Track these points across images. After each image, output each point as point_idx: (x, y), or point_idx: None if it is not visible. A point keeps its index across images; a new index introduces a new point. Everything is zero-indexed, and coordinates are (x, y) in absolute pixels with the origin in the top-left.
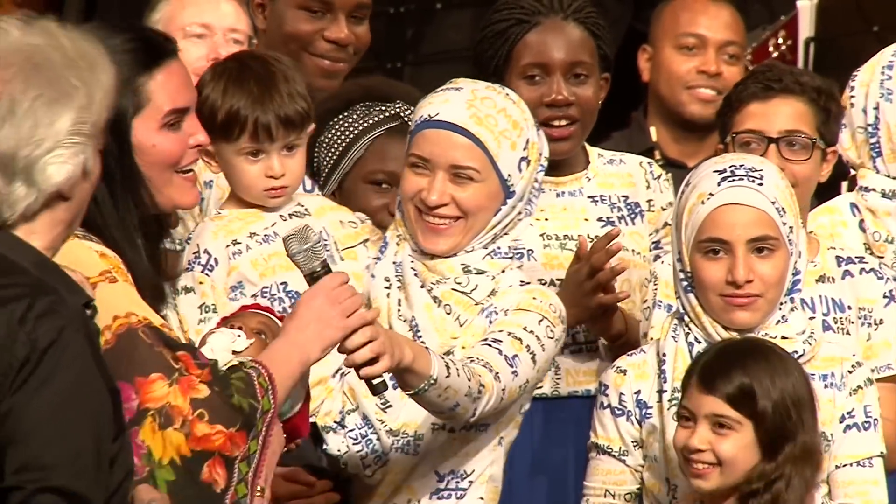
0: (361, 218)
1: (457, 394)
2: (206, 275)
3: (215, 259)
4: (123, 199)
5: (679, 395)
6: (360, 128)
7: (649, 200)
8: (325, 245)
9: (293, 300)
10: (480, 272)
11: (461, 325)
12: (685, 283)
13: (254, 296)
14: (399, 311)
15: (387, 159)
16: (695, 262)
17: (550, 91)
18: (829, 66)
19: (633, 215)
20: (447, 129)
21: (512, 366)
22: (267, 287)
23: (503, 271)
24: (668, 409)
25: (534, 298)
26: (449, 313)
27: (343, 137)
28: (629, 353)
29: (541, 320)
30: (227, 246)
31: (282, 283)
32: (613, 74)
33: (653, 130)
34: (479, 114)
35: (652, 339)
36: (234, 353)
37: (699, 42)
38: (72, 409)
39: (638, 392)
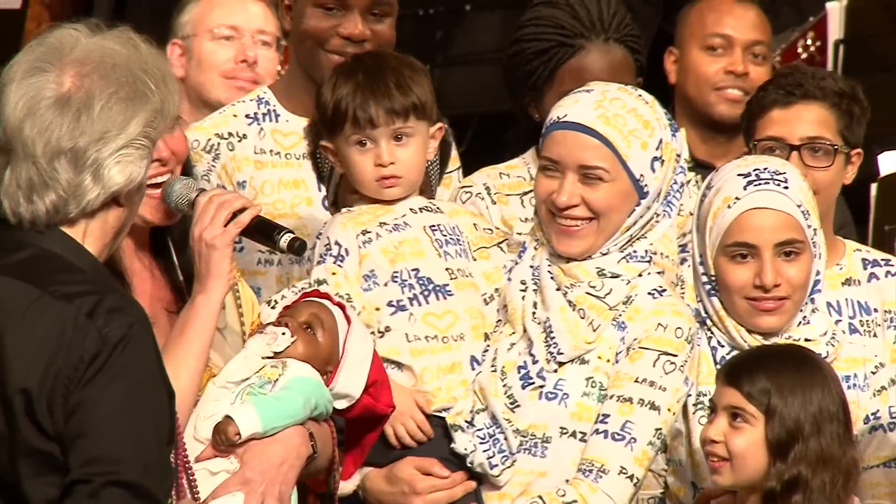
0: (494, 227)
1: None
2: (338, 265)
3: (346, 249)
4: None
5: (703, 398)
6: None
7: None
8: (186, 183)
9: (423, 286)
10: (615, 276)
11: (594, 330)
12: (708, 287)
13: (386, 283)
14: (534, 312)
15: None
16: (720, 266)
17: None
18: (859, 68)
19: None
20: (575, 130)
21: (624, 437)
22: (397, 272)
23: (640, 275)
24: (694, 413)
25: (659, 325)
26: (583, 317)
27: None
28: None
29: (657, 359)
30: (357, 236)
31: (413, 269)
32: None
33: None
34: (608, 114)
35: None
36: (274, 353)
37: (726, 42)
38: (140, 406)
39: None
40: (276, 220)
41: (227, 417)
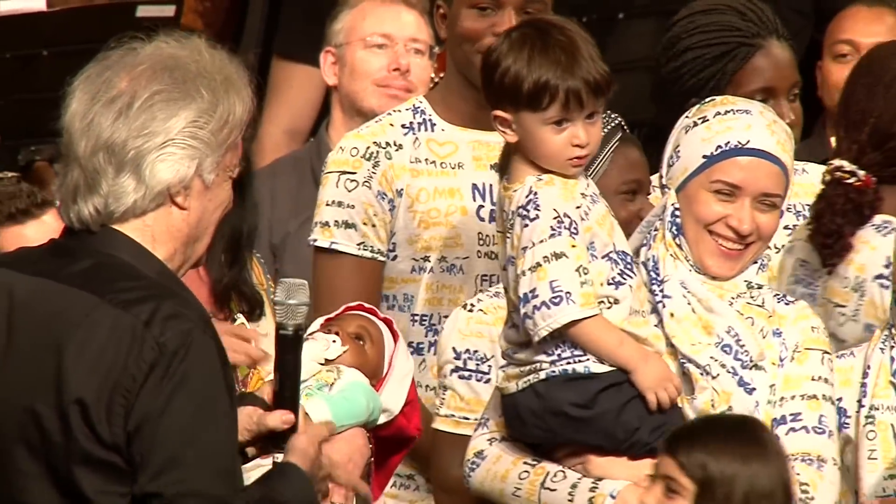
0: None
1: None
2: (574, 237)
3: (574, 222)
4: None
5: (874, 412)
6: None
7: None
8: (307, 309)
9: (624, 260)
10: (759, 286)
11: (763, 338)
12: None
13: (603, 256)
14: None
15: (631, 168)
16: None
17: (782, 115)
18: None
19: None
20: (760, 157)
21: (824, 431)
22: (610, 248)
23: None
24: (864, 425)
25: (812, 328)
26: (753, 325)
27: None
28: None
29: (822, 358)
30: (577, 207)
31: (615, 243)
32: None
33: (833, 140)
34: (780, 139)
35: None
36: (326, 360)
37: (852, 49)
38: (206, 413)
39: (839, 399)
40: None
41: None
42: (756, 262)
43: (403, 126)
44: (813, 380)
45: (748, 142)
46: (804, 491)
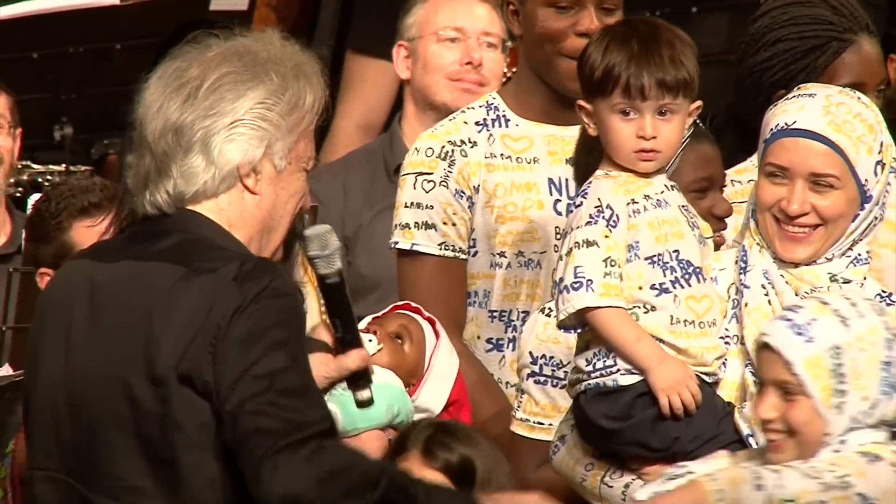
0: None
1: None
2: (610, 230)
3: (617, 215)
4: None
5: None
6: None
7: None
8: (340, 250)
9: (684, 269)
10: (847, 281)
11: None
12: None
13: (648, 259)
14: None
15: (702, 164)
16: None
17: None
18: None
19: None
20: (805, 138)
21: None
22: (660, 254)
23: (864, 278)
24: None
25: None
26: None
27: None
28: None
29: None
30: (628, 204)
31: (674, 251)
32: None
33: None
34: (837, 120)
35: None
36: None
37: None
38: (286, 352)
39: None
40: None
41: None
42: (849, 256)
43: (477, 123)
44: None
45: (794, 122)
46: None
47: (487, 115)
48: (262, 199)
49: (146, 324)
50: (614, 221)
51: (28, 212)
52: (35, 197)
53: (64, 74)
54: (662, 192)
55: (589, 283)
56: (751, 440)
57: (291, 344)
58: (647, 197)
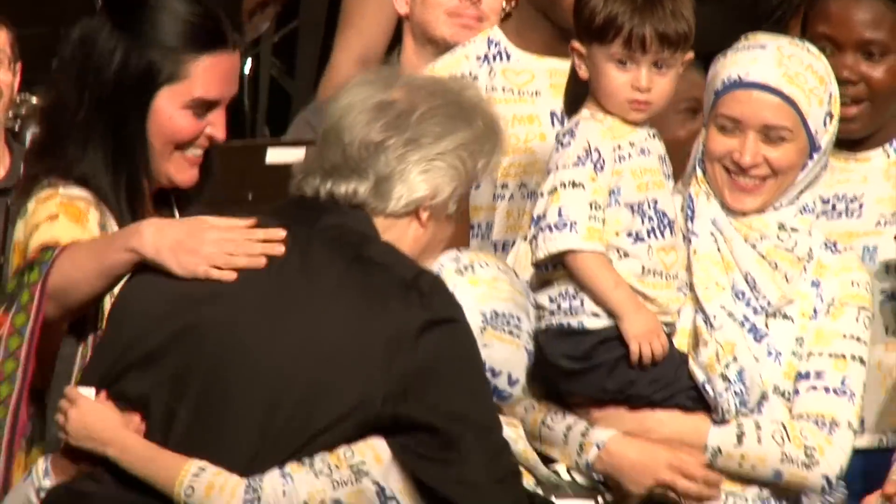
0: None
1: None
2: (597, 173)
3: (604, 160)
4: (120, 151)
5: None
6: None
7: None
8: None
9: (660, 220)
10: (795, 229)
11: (787, 282)
12: None
13: (628, 205)
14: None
15: (692, 87)
16: None
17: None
18: None
19: None
20: (759, 90)
21: (846, 392)
22: (640, 202)
23: (811, 225)
24: None
25: (853, 282)
26: (775, 269)
27: None
28: None
29: (858, 315)
30: (614, 149)
31: (653, 200)
32: None
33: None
34: (790, 72)
35: None
36: None
37: None
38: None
39: None
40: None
41: None
42: (794, 204)
43: (478, 58)
44: (844, 338)
45: (748, 74)
46: (809, 455)
47: (488, 49)
48: (424, 235)
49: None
50: (601, 165)
51: (27, 145)
52: (34, 130)
53: (64, 9)
54: (646, 139)
55: (573, 224)
56: (707, 387)
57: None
58: (631, 144)
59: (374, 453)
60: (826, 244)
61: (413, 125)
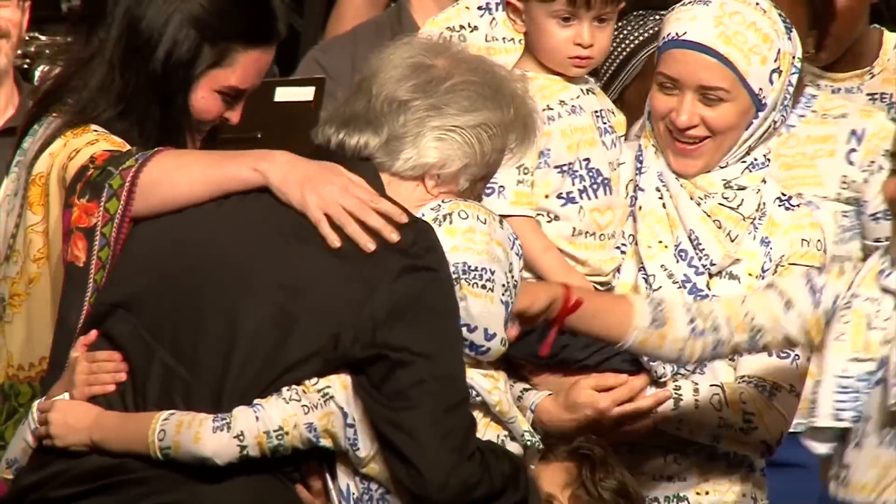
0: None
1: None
2: None
3: None
4: (164, 126)
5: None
6: (638, 41)
7: None
8: None
9: (593, 179)
10: (742, 188)
11: (732, 241)
12: None
13: (557, 167)
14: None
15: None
16: None
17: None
18: None
19: None
20: (694, 50)
21: (788, 356)
22: (570, 163)
23: (763, 181)
24: (841, 309)
25: (803, 240)
26: (719, 227)
27: (620, 49)
28: None
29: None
30: (543, 110)
31: (585, 160)
32: None
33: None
34: (728, 31)
35: None
36: None
37: None
38: None
39: None
40: None
41: None
42: (744, 162)
43: (479, 8)
44: None
45: (685, 33)
46: (747, 421)
47: None
48: (428, 202)
49: None
50: None
51: (35, 83)
52: (42, 68)
53: None
54: (578, 96)
55: (501, 189)
56: None
57: None
58: (562, 103)
59: (339, 380)
60: (781, 199)
61: (441, 93)
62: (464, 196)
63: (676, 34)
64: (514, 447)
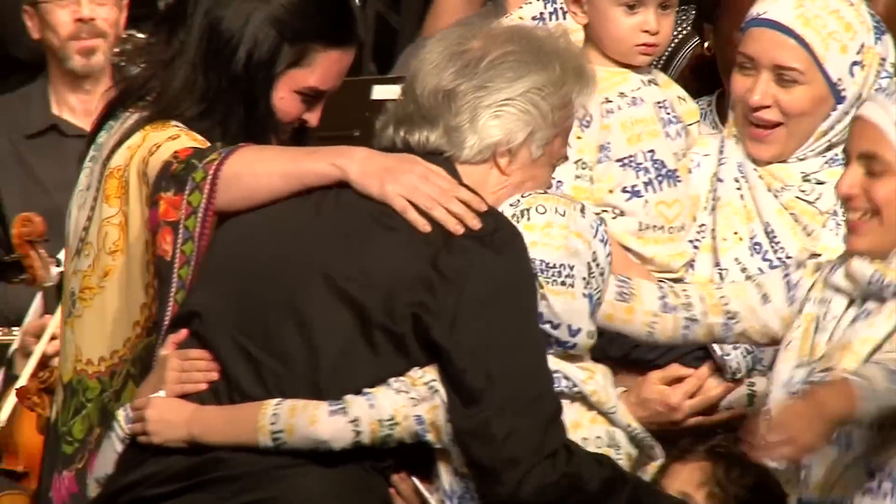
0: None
1: None
2: (583, 130)
3: (591, 115)
4: (249, 126)
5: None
6: (681, 35)
7: None
8: None
9: (658, 171)
10: (820, 182)
11: (808, 235)
12: None
13: (619, 160)
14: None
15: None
16: None
17: None
18: None
19: None
20: (772, 28)
21: None
22: (632, 155)
23: None
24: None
25: None
26: (796, 221)
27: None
28: None
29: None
30: (602, 103)
31: (649, 151)
32: None
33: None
34: (808, 14)
35: None
36: None
37: None
38: None
39: None
40: None
41: None
42: (824, 157)
43: (534, 18)
44: None
45: (765, 13)
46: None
47: (545, 8)
48: (509, 182)
49: None
50: (587, 121)
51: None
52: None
53: None
54: (639, 87)
55: (559, 184)
56: (714, 346)
57: None
58: (621, 95)
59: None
60: None
61: (482, 71)
62: (551, 158)
63: (758, 14)
64: (626, 445)
